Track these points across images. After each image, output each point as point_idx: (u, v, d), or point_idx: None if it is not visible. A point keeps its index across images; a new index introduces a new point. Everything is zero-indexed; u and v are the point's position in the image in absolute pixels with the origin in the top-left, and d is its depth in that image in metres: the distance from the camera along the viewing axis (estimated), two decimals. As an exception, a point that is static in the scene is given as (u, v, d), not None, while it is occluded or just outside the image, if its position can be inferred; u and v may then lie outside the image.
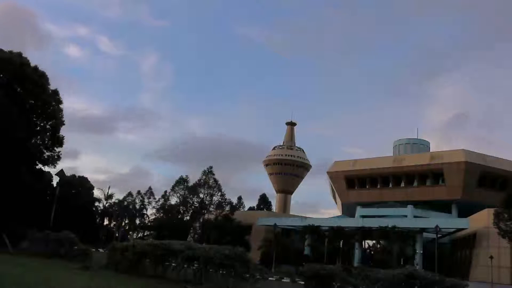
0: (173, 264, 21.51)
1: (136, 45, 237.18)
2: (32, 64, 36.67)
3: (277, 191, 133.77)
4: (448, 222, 59.65)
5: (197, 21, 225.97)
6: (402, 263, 51.25)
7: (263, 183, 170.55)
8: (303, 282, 22.20)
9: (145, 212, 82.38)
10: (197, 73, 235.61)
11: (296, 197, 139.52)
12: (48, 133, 38.24)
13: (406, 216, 63.66)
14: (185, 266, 20.84)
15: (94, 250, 32.52)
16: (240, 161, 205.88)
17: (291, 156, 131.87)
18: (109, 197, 74.49)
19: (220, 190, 71.87)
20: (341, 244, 64.73)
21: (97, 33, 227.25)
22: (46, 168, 41.34)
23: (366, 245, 71.00)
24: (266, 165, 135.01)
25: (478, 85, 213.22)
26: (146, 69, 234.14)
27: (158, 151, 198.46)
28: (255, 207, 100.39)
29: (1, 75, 35.77)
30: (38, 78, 36.42)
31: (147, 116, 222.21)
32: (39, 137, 38.08)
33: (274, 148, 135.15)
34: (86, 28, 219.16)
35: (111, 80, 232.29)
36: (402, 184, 74.08)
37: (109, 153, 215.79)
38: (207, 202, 71.53)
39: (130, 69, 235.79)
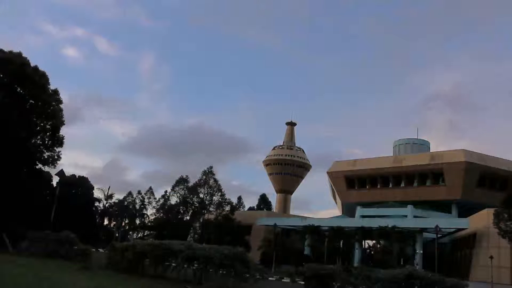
0: (173, 264, 21.50)
1: (133, 46, 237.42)
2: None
3: (277, 191, 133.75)
4: (448, 222, 59.64)
5: (194, 22, 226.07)
6: (402, 263, 51.25)
7: (263, 183, 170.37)
8: (303, 282, 22.20)
9: (145, 212, 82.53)
10: (195, 74, 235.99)
11: (295, 197, 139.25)
12: (48, 133, 38.17)
13: (406, 216, 63.67)
14: (185, 266, 20.84)
15: (94, 250, 32.49)
16: (221, 154, 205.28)
17: (291, 156, 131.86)
18: (109, 197, 74.54)
19: (220, 190, 71.87)
20: (341, 244, 64.72)
21: (95, 34, 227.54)
22: (46, 168, 41.33)
23: (366, 245, 71.05)
24: (266, 165, 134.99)
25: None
26: (143, 70, 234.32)
27: (141, 145, 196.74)
28: (255, 207, 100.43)
29: (1, 75, 35.76)
30: (38, 78, 36.37)
31: (139, 112, 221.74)
32: (39, 137, 37.99)
33: (274, 148, 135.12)
34: (83, 29, 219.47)
35: (108, 80, 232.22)
36: (402, 184, 74.06)
37: (83, 147, 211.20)
38: (207, 202, 71.48)
39: (128, 70, 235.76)
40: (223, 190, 72.22)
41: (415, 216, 63.64)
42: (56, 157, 38.43)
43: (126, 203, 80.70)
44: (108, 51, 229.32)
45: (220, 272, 19.53)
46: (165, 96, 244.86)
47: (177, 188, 75.29)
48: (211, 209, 71.95)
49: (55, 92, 38.50)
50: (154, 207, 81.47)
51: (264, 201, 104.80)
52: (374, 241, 67.93)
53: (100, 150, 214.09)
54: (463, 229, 56.07)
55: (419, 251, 57.45)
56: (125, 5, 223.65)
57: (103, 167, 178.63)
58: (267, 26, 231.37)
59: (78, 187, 64.29)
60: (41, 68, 37.14)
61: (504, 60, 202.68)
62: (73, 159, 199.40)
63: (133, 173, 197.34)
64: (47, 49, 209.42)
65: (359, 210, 72.30)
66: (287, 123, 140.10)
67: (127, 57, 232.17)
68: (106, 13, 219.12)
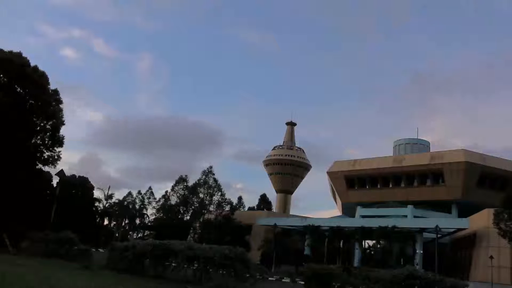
0: (173, 264, 21.51)
1: (131, 47, 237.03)
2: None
3: (277, 191, 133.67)
4: (448, 222, 59.59)
5: (193, 23, 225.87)
6: (402, 263, 51.19)
7: (263, 183, 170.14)
8: (303, 282, 22.20)
9: (145, 212, 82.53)
10: (194, 75, 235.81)
11: (295, 197, 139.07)
12: (48, 133, 38.18)
13: (406, 216, 63.63)
14: (185, 266, 20.84)
15: (94, 250, 32.54)
16: (195, 145, 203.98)
17: (291, 156, 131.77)
18: (109, 197, 74.58)
19: (220, 190, 71.87)
20: (341, 244, 64.65)
21: (92, 35, 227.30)
22: (46, 168, 41.33)
23: (366, 245, 70.99)
24: (266, 165, 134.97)
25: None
26: (141, 71, 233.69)
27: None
28: (255, 207, 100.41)
29: (1, 75, 35.75)
30: (38, 78, 36.38)
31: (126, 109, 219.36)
32: (39, 137, 38.00)
33: (274, 148, 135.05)
34: (81, 30, 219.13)
35: (106, 81, 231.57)
36: (402, 184, 74.01)
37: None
38: (207, 202, 71.46)
39: (126, 71, 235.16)
40: (223, 190, 72.34)
41: (415, 216, 63.60)
42: (56, 157, 38.46)
43: (126, 203, 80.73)
44: (106, 52, 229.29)
45: (220, 272, 19.53)
46: (163, 96, 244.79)
47: (177, 188, 75.31)
48: (211, 209, 71.95)
49: (55, 92, 38.51)
50: (154, 207, 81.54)
51: (264, 201, 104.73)
52: (374, 241, 67.87)
53: (69, 145, 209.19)
54: (463, 229, 56.02)
55: (419, 251, 57.41)
56: (122, 7, 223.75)
57: (78, 161, 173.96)
58: (266, 27, 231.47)
59: (78, 187, 64.25)
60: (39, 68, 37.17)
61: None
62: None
63: (110, 168, 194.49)
64: (45, 50, 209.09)
65: (359, 210, 72.28)
66: (287, 123, 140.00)
67: (125, 58, 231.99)
68: (103, 14, 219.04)
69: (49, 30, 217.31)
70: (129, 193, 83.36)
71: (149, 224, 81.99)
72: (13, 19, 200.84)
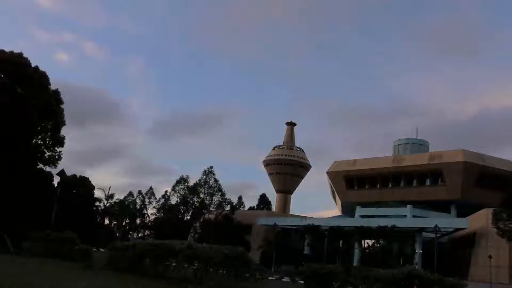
0: (174, 264, 21.60)
1: (121, 52, 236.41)
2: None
3: (277, 191, 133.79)
4: (447, 222, 59.82)
5: (185, 27, 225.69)
6: (401, 262, 51.36)
7: (262, 183, 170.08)
8: (303, 282, 22.30)
9: (145, 212, 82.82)
10: (194, 76, 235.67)
11: (294, 197, 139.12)
12: (48, 133, 38.32)
13: (405, 216, 63.86)
14: (186, 265, 20.93)
15: (94, 250, 32.62)
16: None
17: (291, 156, 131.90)
18: (109, 197, 74.79)
19: (220, 190, 72.06)
20: (340, 243, 64.86)
21: (83, 39, 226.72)
22: (47, 168, 41.44)
23: (366, 245, 71.18)
24: (266, 165, 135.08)
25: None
26: (133, 74, 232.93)
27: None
28: (255, 207, 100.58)
29: (2, 76, 35.88)
30: (39, 78, 36.51)
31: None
32: (39, 137, 38.15)
33: (274, 148, 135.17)
34: (72, 34, 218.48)
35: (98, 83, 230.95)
36: (402, 184, 74.24)
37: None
38: (207, 202, 71.66)
39: (117, 74, 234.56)
40: (223, 190, 72.55)
41: (414, 216, 63.82)
42: (57, 157, 38.60)
43: (126, 202, 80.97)
44: (97, 56, 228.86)
45: (220, 272, 19.63)
46: (162, 99, 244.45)
47: (177, 188, 75.42)
48: (211, 209, 72.16)
49: (56, 92, 38.64)
50: (154, 207, 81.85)
51: (264, 201, 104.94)
52: (373, 241, 68.11)
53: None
54: (462, 228, 56.24)
55: (419, 250, 57.62)
56: (113, 12, 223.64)
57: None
58: (264, 27, 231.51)
59: (78, 187, 64.36)
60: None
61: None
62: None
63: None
64: (38, 54, 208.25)
65: (359, 210, 72.48)
66: (287, 123, 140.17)
67: (115, 61, 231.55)
68: (94, 20, 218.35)
69: (41, 35, 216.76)
70: (130, 193, 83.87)
71: (149, 224, 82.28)
72: (6, 23, 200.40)
